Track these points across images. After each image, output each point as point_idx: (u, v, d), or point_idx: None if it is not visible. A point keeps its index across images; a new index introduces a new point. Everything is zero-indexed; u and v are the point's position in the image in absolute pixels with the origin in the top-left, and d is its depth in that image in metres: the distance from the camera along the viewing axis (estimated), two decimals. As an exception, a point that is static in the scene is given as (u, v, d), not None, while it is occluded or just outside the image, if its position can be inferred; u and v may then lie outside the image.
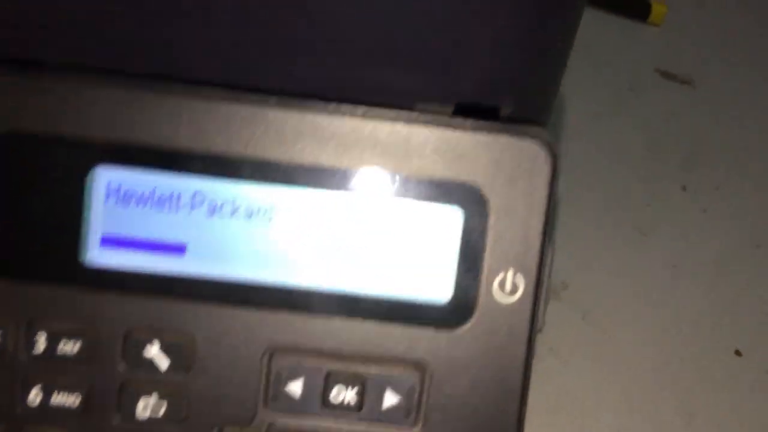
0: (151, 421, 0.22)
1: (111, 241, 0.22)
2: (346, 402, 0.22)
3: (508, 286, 0.22)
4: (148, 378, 0.22)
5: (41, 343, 0.21)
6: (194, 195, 0.22)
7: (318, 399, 0.22)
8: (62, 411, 0.21)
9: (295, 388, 0.22)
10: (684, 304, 0.63)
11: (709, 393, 0.59)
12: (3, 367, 0.21)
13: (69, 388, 0.21)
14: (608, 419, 0.58)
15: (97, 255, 0.22)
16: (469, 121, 0.22)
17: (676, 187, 0.71)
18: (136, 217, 0.22)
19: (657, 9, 0.70)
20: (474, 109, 0.23)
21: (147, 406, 0.22)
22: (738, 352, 0.62)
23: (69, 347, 0.21)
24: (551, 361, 0.58)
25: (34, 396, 0.21)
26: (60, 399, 0.21)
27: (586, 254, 0.67)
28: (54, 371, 0.21)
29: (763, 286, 0.65)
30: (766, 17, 0.79)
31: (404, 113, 0.22)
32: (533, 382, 0.59)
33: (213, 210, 0.22)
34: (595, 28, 0.80)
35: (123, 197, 0.21)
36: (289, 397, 0.22)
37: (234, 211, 0.22)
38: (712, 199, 0.72)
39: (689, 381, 0.59)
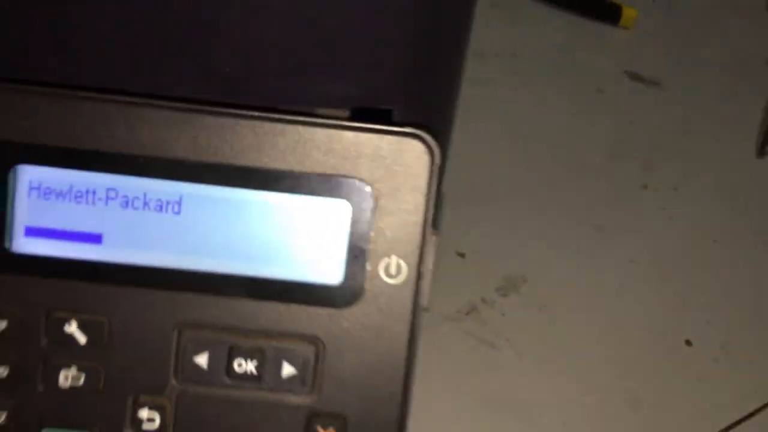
0: (72, 391, 0.24)
1: (34, 231, 0.25)
2: (247, 372, 0.25)
3: (393, 270, 0.25)
4: (68, 353, 0.24)
5: (-27, 321, 0.24)
6: (108, 190, 0.24)
7: (222, 370, 0.25)
8: (-9, 381, 0.24)
9: (202, 360, 0.25)
10: (638, 298, 0.65)
11: (659, 381, 0.61)
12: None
13: (-2, 361, 0.24)
14: (560, 406, 0.60)
15: (22, 244, 0.25)
16: (356, 123, 0.25)
17: (637, 186, 0.73)
18: (57, 210, 0.24)
19: (627, 13, 0.72)
20: (368, 114, 0.26)
21: (67, 378, 0.24)
22: (688, 342, 0.64)
23: (-1, 324, 0.24)
24: (507, 351, 0.60)
25: (-34, 368, 0.24)
26: (-11, 370, 0.24)
27: (545, 250, 0.69)
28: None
29: (715, 280, 0.66)
30: (733, 22, 0.81)
31: (299, 116, 0.25)
32: (489, 371, 0.61)
33: (126, 203, 0.24)
34: (567, 32, 0.82)
35: (44, 193, 0.24)
36: (196, 369, 0.25)
37: (145, 205, 0.25)
38: (672, 197, 0.74)
39: (641, 370, 0.61)
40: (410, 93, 0.26)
